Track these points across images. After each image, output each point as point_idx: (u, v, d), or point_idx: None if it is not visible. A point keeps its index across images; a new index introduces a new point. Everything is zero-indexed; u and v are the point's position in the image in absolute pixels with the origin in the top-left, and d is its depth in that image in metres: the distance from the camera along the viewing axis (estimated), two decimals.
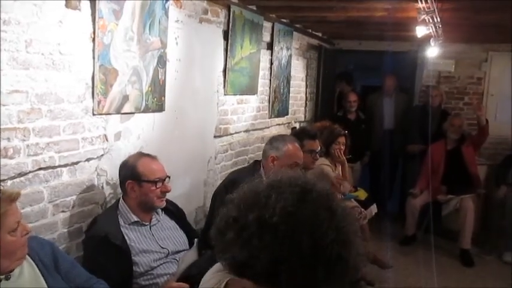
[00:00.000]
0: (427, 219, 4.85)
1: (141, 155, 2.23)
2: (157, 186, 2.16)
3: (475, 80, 5.50)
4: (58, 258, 1.66)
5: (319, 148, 3.41)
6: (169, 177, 2.27)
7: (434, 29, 3.49)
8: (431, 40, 3.99)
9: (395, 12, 3.55)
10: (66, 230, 2.12)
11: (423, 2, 2.83)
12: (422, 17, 2.93)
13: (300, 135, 3.26)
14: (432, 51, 4.35)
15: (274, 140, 2.77)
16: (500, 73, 5.37)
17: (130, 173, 2.13)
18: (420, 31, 3.40)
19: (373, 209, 4.25)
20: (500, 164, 4.98)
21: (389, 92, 5.75)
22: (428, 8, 2.93)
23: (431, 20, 3.21)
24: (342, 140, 4.14)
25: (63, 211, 2.09)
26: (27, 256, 1.52)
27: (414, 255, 4.60)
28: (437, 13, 3.07)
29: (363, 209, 4.03)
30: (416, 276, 4.15)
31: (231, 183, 2.58)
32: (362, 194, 4.29)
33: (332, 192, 0.92)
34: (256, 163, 2.81)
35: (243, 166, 3.22)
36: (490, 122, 5.05)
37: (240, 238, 0.84)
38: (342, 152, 4.14)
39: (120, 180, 2.21)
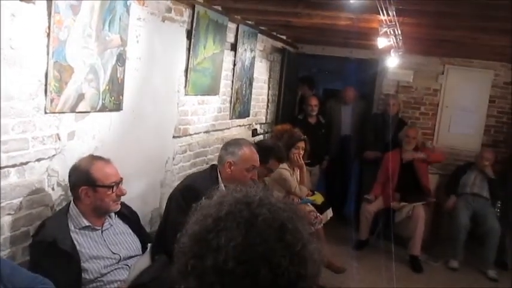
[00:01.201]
0: (380, 225, 4.99)
1: (93, 158, 2.14)
2: (113, 191, 2.09)
3: (431, 91, 5.68)
4: None
5: None
6: (122, 179, 2.21)
7: (395, 41, 3.57)
8: (391, 51, 4.08)
9: (359, 22, 3.61)
10: (12, 234, 2.01)
11: (385, 15, 2.89)
12: (384, 29, 2.99)
13: (267, 152, 3.27)
14: (392, 61, 4.44)
15: (229, 145, 2.73)
16: (455, 86, 5.57)
17: (85, 178, 2.05)
18: (381, 42, 3.46)
19: (329, 213, 4.33)
20: (451, 175, 5.17)
21: (348, 101, 5.87)
22: (390, 21, 3.00)
23: (392, 32, 3.29)
24: (302, 144, 4.18)
25: (9, 214, 1.99)
26: None
27: (367, 259, 4.71)
28: (398, 26, 3.15)
29: (318, 214, 4.09)
30: (368, 281, 4.25)
31: (186, 189, 2.53)
32: (319, 199, 4.36)
33: (280, 205, 0.90)
34: (213, 168, 2.78)
35: (199, 170, 3.17)
36: (443, 133, 5.25)
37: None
38: (301, 157, 4.19)
39: (71, 185, 2.12)
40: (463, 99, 5.50)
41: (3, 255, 1.97)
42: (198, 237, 0.87)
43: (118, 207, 2.17)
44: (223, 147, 2.78)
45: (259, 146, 3.11)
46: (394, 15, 2.91)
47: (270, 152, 3.36)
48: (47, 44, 2.02)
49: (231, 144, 2.74)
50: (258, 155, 2.79)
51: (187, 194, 2.48)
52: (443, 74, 5.59)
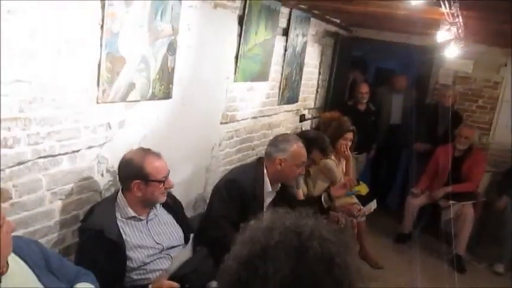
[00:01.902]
0: (424, 220, 4.86)
1: (145, 152, 2.17)
2: (164, 184, 2.16)
3: (491, 83, 5.33)
4: (49, 257, 1.65)
5: None
6: (169, 171, 2.25)
7: (456, 33, 3.37)
8: (451, 42, 3.87)
9: (418, 12, 3.43)
10: (63, 218, 2.12)
11: (447, 7, 2.73)
12: (447, 27, 2.82)
13: (311, 143, 3.23)
14: (451, 51, 4.21)
15: (278, 142, 2.72)
16: None
17: (138, 172, 2.10)
18: (442, 36, 3.28)
19: (373, 205, 4.21)
20: (505, 173, 4.90)
21: (400, 89, 5.67)
22: (452, 15, 2.83)
23: (454, 25, 3.10)
24: (350, 136, 4.09)
25: (61, 199, 2.09)
26: (15, 256, 1.50)
27: (407, 254, 4.62)
28: (460, 19, 2.97)
29: (361, 206, 4.02)
30: (406, 277, 4.17)
31: (230, 183, 2.56)
32: (363, 189, 4.25)
33: (331, 236, 0.90)
34: (260, 161, 2.78)
35: (245, 163, 3.18)
36: (502, 129, 4.96)
37: None
38: (348, 148, 4.11)
39: (122, 177, 2.17)
40: None
41: (54, 237, 2.09)
42: (244, 261, 0.88)
43: (165, 199, 2.23)
44: (272, 143, 2.78)
45: (303, 137, 3.09)
46: (457, 10, 2.74)
47: (313, 143, 3.33)
48: (100, 36, 2.06)
49: (280, 141, 2.73)
50: (305, 151, 2.78)
51: (231, 188, 2.52)
52: (506, 66, 5.24)
